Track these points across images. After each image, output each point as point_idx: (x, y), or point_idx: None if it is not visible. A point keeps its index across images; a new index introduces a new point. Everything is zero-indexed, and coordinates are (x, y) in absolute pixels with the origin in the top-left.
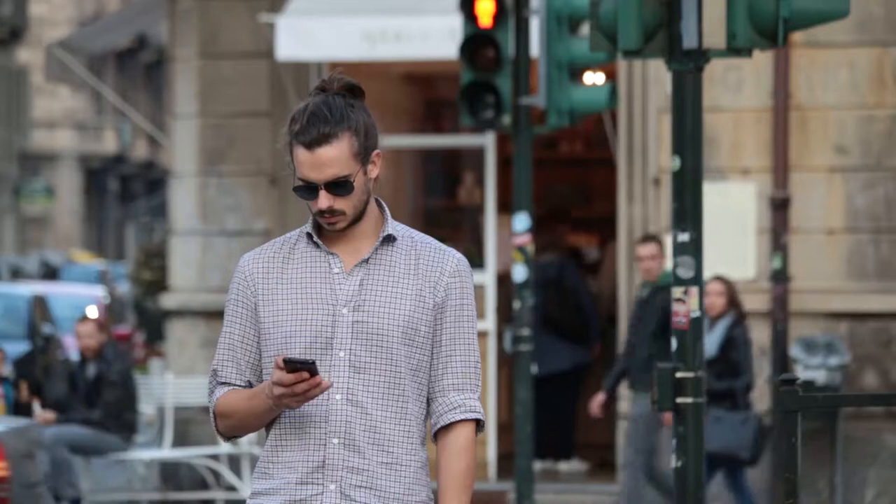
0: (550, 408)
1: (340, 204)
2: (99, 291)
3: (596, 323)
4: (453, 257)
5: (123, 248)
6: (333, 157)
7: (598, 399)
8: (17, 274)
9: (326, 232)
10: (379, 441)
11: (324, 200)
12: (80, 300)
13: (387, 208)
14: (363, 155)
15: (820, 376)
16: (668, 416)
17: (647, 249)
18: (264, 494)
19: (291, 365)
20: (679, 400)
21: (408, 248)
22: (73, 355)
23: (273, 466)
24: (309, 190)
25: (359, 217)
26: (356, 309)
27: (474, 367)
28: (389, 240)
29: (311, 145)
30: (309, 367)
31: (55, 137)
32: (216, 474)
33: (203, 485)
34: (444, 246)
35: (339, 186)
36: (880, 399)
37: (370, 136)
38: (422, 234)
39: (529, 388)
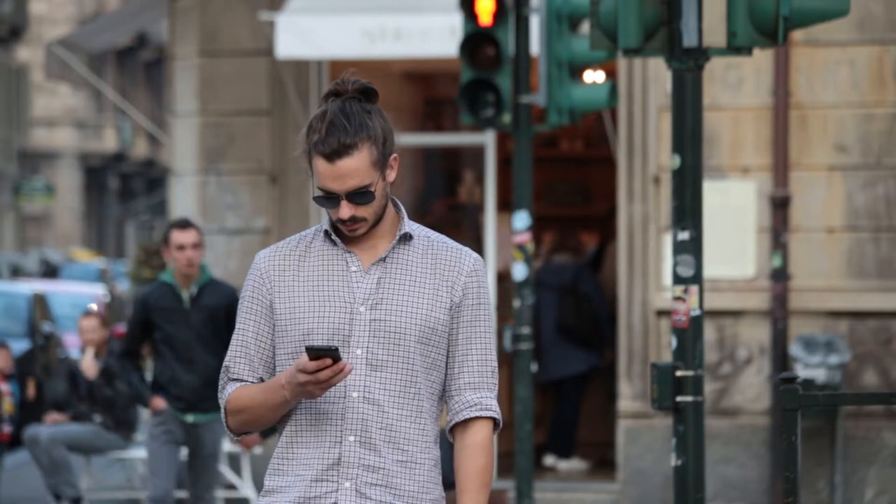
0: (563, 408)
1: (362, 212)
2: (99, 289)
3: (610, 332)
4: (470, 257)
5: (123, 247)
6: (354, 168)
7: None
8: (17, 272)
9: None
10: (394, 439)
11: (345, 210)
12: (80, 298)
13: (402, 208)
14: (382, 162)
15: (820, 375)
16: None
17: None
18: (277, 491)
19: (314, 353)
20: (679, 398)
21: (424, 248)
22: (74, 353)
23: (287, 463)
24: (330, 200)
25: (378, 219)
26: (374, 307)
27: (491, 366)
28: (406, 239)
29: (331, 157)
30: (332, 354)
31: (55, 136)
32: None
33: None
34: (460, 245)
35: (361, 196)
36: (880, 398)
37: (388, 141)
38: (437, 234)
39: (530, 386)
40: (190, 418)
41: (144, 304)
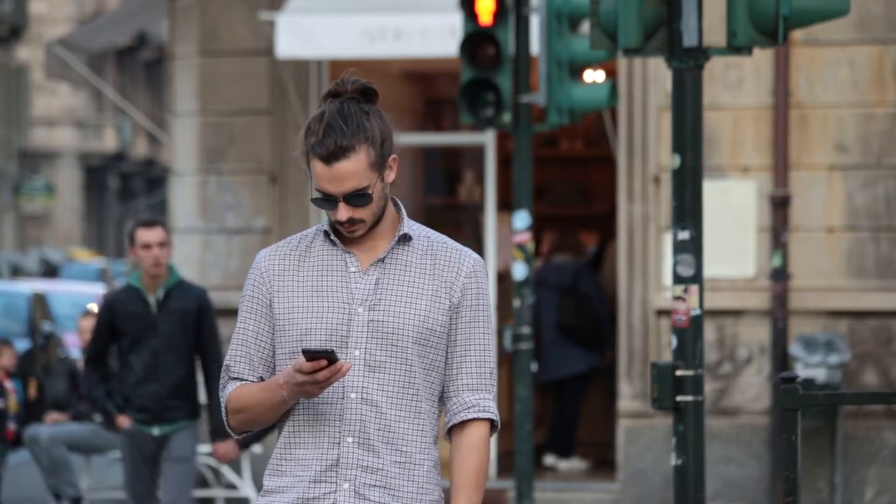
0: (563, 408)
1: (359, 214)
2: (99, 289)
3: (610, 331)
4: (470, 257)
5: (123, 247)
6: (351, 170)
7: None
8: (17, 272)
9: None
10: (393, 440)
11: (343, 212)
12: (80, 298)
13: (403, 208)
14: (380, 164)
15: (820, 374)
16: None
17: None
18: (276, 492)
19: (310, 355)
20: (679, 398)
21: (424, 248)
22: (74, 353)
23: (286, 464)
24: (328, 201)
25: (377, 220)
26: (372, 308)
27: (489, 367)
28: (405, 239)
29: (328, 159)
30: (328, 356)
31: (55, 135)
32: (216, 472)
33: (203, 483)
34: (460, 246)
35: (358, 198)
36: (880, 397)
37: (386, 143)
38: (438, 234)
39: (530, 386)
40: (156, 431)
41: (110, 308)
